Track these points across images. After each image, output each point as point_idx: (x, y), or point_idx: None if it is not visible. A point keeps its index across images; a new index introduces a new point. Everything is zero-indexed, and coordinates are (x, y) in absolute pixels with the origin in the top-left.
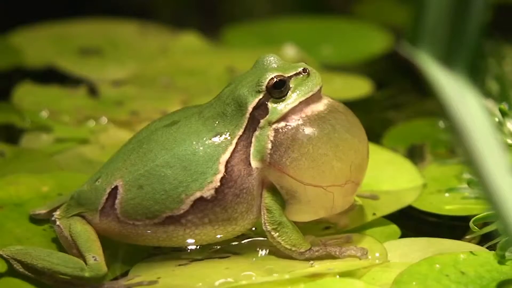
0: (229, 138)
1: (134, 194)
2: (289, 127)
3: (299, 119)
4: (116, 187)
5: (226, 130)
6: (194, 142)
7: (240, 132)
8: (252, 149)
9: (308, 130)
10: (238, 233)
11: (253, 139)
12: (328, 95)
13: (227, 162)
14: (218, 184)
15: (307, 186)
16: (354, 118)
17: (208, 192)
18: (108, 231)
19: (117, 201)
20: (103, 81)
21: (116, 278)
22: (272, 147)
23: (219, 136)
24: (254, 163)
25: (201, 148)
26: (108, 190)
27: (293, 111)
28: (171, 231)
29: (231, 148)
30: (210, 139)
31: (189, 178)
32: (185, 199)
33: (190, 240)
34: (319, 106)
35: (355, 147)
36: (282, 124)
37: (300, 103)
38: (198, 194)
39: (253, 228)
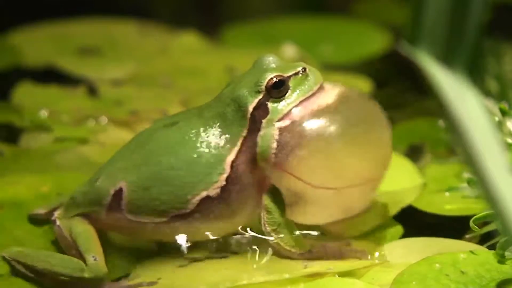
0: (233, 138)
1: (140, 195)
2: (295, 124)
3: (305, 116)
4: (120, 188)
5: (229, 131)
6: (198, 144)
7: (244, 133)
8: (257, 149)
9: (317, 125)
10: (241, 225)
11: (258, 139)
12: (341, 83)
13: (233, 162)
14: (224, 183)
15: (317, 188)
16: (371, 105)
17: (213, 191)
18: (113, 228)
19: (123, 201)
20: (102, 81)
21: (116, 279)
22: (277, 146)
23: (222, 137)
24: (259, 163)
25: (206, 149)
26: (112, 191)
27: (297, 109)
28: (177, 227)
29: (236, 149)
30: (214, 140)
31: (195, 179)
32: (191, 199)
33: (193, 235)
34: (328, 99)
35: (374, 140)
36: (287, 122)
37: (302, 101)
38: (204, 194)
39: (254, 228)
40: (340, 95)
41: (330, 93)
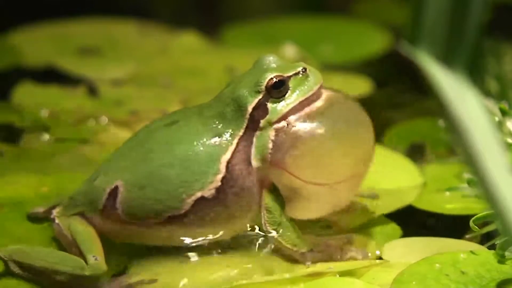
0: (229, 138)
1: (135, 194)
2: (290, 126)
3: (299, 118)
4: (116, 187)
5: (226, 130)
6: (195, 143)
7: (241, 132)
8: (253, 149)
9: (309, 128)
10: (239, 230)
11: (254, 139)
12: (328, 87)
13: (228, 162)
14: (219, 184)
15: (310, 185)
16: (356, 107)
17: (209, 192)
18: (109, 230)
19: (118, 200)
20: (102, 81)
21: (116, 277)
22: (273, 146)
23: (219, 136)
24: (255, 163)
25: (202, 148)
26: (108, 190)
27: (293, 110)
28: (173, 230)
29: (232, 148)
30: (211, 139)
31: (191, 178)
32: (187, 199)
33: (191, 239)
34: (318, 102)
35: (360, 139)
36: (283, 123)
37: (300, 102)
38: (199, 194)
39: (255, 227)
40: (329, 99)
41: (321, 97)
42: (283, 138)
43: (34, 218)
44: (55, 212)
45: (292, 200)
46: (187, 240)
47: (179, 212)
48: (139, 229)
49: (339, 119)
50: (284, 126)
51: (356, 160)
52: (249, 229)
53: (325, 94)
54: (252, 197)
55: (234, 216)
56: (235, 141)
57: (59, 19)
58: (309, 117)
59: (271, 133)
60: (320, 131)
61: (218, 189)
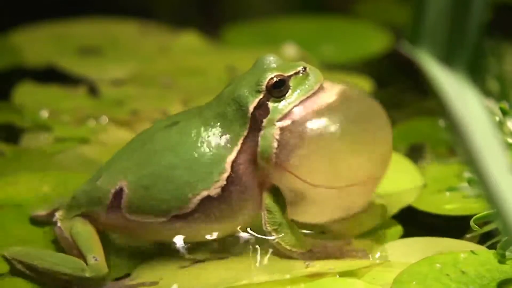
0: (234, 138)
1: (140, 194)
2: (296, 124)
3: (306, 115)
4: (121, 188)
5: (229, 131)
6: (198, 143)
7: (245, 133)
8: (258, 148)
9: (317, 125)
10: (241, 228)
11: (259, 139)
12: (343, 81)
13: (233, 161)
14: (225, 182)
15: (318, 188)
16: (372, 103)
17: (214, 191)
18: (112, 229)
19: (123, 200)
20: (103, 81)
21: (117, 279)
22: (278, 146)
23: (223, 136)
24: (260, 163)
25: (206, 148)
26: (113, 190)
27: (297, 108)
28: (178, 228)
29: (236, 149)
30: (214, 140)
31: (195, 178)
32: (192, 198)
33: (194, 236)
34: (329, 98)
35: (375, 138)
36: (288, 121)
37: (302, 100)
38: (205, 193)
39: (256, 228)
40: (341, 94)
41: (331, 92)
42: (288, 136)
43: (35, 220)
44: (57, 215)
45: (298, 203)
46: (190, 238)
47: (184, 211)
48: (143, 227)
49: (352, 117)
50: (289, 124)
51: (372, 162)
52: (249, 229)
53: (338, 88)
54: (255, 195)
55: (237, 214)
56: (239, 141)
57: (59, 19)
58: (318, 114)
59: (276, 132)
60: (329, 129)
61: (223, 188)
